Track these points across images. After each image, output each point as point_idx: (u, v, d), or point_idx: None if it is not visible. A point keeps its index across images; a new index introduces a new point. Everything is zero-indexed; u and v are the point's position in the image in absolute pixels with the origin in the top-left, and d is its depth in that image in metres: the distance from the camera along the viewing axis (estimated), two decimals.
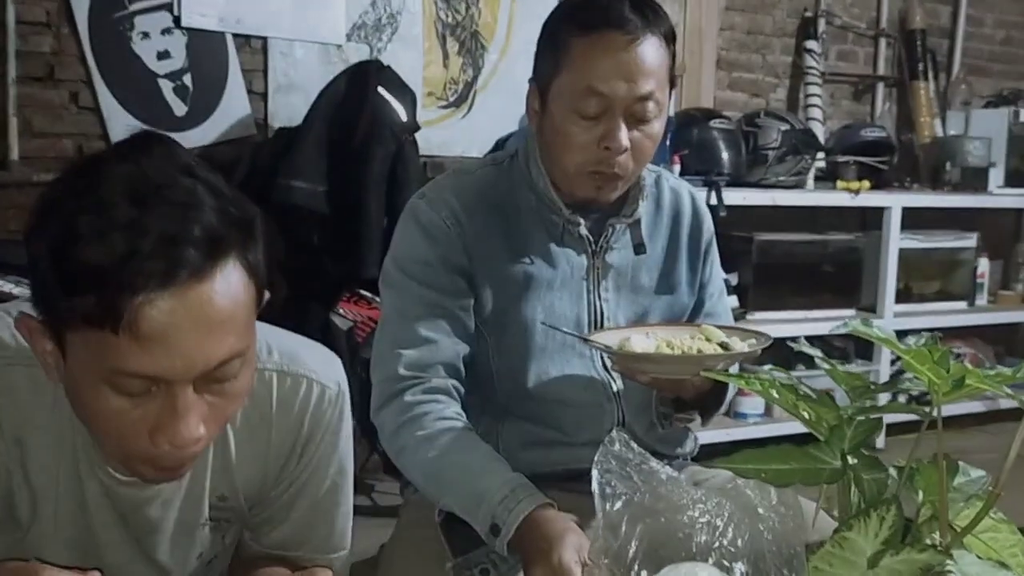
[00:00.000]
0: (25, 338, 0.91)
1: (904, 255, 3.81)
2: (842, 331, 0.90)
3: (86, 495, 1.02)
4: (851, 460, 0.85)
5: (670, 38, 1.35)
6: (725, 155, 3.42)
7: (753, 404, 3.56)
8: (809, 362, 3.33)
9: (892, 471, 0.90)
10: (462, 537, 1.28)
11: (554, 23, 1.37)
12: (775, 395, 0.90)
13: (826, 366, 0.94)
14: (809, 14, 4.14)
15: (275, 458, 1.09)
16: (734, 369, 1.34)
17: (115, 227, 0.81)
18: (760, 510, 0.80)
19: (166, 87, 3.08)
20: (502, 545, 1.20)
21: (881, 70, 4.37)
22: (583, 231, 1.42)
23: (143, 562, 1.08)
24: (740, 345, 1.27)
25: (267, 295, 0.95)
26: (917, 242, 3.91)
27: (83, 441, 0.99)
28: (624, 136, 1.33)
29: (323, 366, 1.10)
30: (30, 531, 1.02)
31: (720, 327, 1.36)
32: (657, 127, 1.37)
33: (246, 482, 1.09)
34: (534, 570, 1.12)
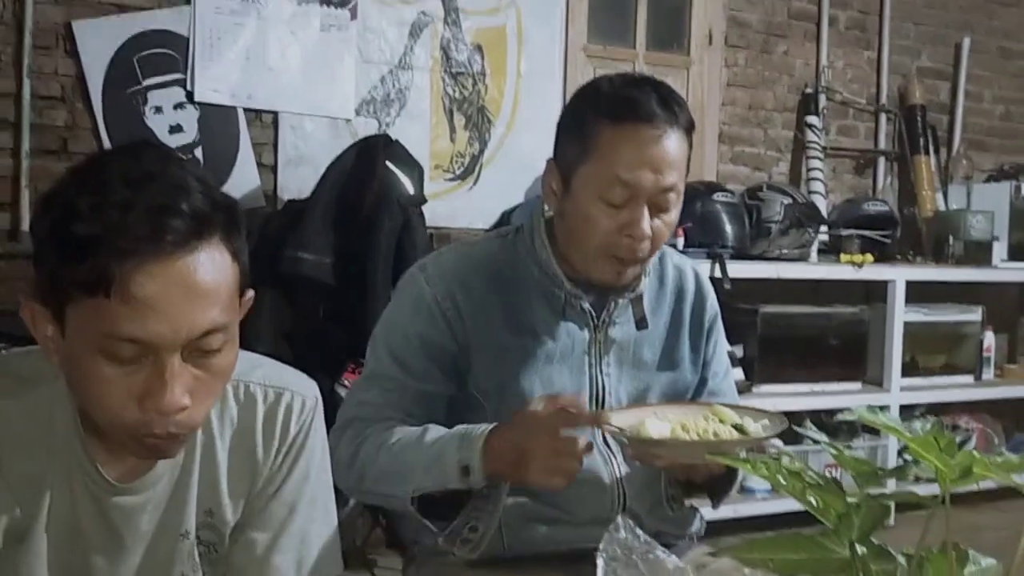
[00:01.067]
0: (28, 324, 0.98)
1: (909, 328, 3.81)
2: (849, 418, 0.90)
3: (78, 512, 1.05)
4: (860, 549, 0.84)
5: (690, 131, 1.40)
6: (729, 228, 3.44)
7: (761, 480, 3.51)
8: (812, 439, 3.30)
9: (901, 559, 0.89)
10: (440, 510, 1.34)
11: (582, 110, 1.40)
12: (782, 481, 0.89)
13: (833, 451, 0.94)
14: (809, 90, 4.21)
15: (260, 469, 1.13)
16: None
17: (109, 204, 0.90)
18: None
19: None
20: (478, 477, 1.27)
21: (882, 145, 4.42)
22: (585, 305, 1.43)
23: None
24: (755, 427, 1.26)
25: (251, 294, 1.03)
26: (922, 315, 3.91)
27: (76, 456, 1.04)
28: (647, 224, 1.36)
29: (302, 381, 1.18)
30: (16, 561, 1.03)
31: (731, 406, 1.36)
32: (675, 215, 1.41)
33: (233, 497, 1.12)
34: (527, 463, 1.23)
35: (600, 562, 0.83)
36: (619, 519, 0.90)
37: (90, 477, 1.05)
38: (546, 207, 1.49)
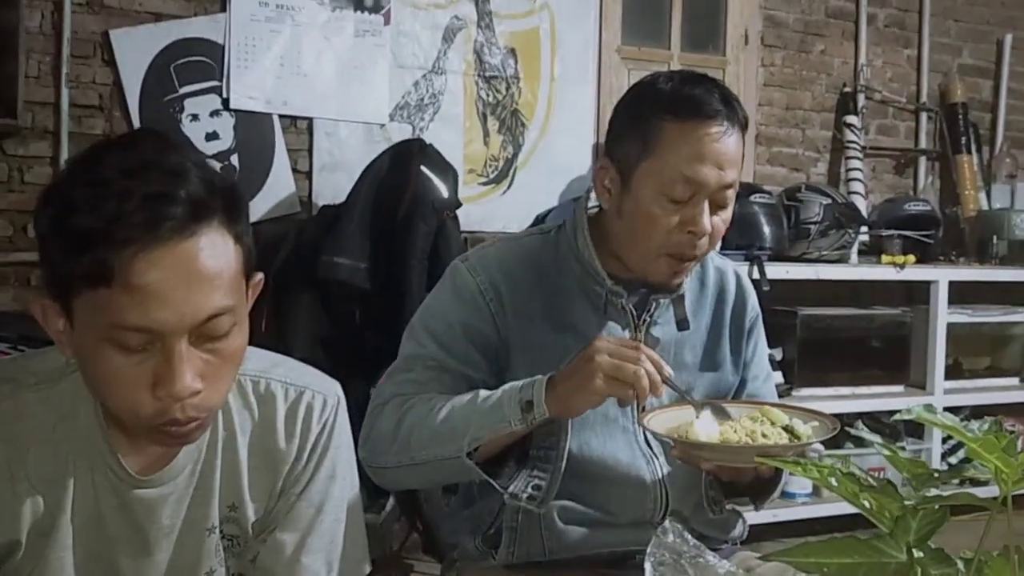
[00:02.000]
0: (39, 319, 0.98)
1: (953, 330, 3.73)
2: (906, 417, 0.87)
3: (101, 504, 1.06)
4: (917, 553, 0.81)
5: (745, 128, 1.40)
6: (767, 229, 3.39)
7: (801, 483, 3.47)
8: (858, 440, 3.25)
9: (960, 564, 0.85)
10: (500, 468, 1.33)
11: (642, 108, 1.39)
12: (834, 483, 0.86)
13: (887, 452, 0.90)
14: (848, 89, 4.16)
15: (282, 467, 1.14)
16: None
17: (106, 196, 0.90)
18: None
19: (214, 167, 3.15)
20: (542, 410, 1.25)
21: (923, 144, 4.35)
22: (627, 304, 1.42)
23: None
24: (804, 429, 1.23)
25: (260, 277, 1.04)
26: (966, 316, 3.83)
27: (98, 448, 1.04)
28: (708, 221, 1.36)
29: (322, 381, 1.18)
30: (45, 554, 1.04)
31: (781, 406, 1.33)
32: (731, 211, 1.41)
33: (255, 493, 1.13)
34: (591, 374, 1.22)
35: (648, 566, 0.81)
36: (667, 523, 0.88)
37: (112, 470, 1.05)
38: (589, 204, 1.47)
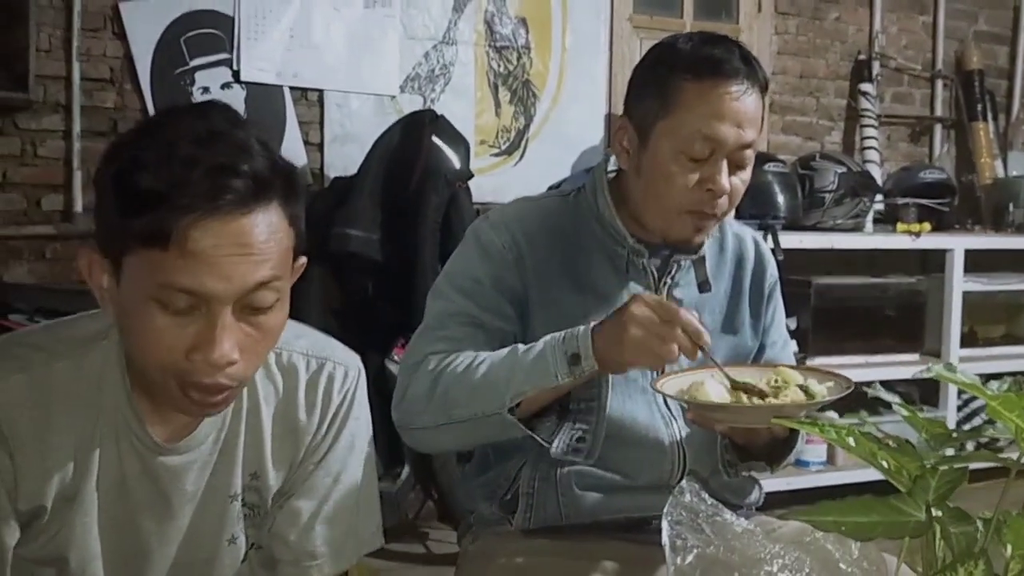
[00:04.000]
0: (84, 273, 1.01)
1: (968, 298, 3.71)
2: (925, 376, 0.86)
3: (126, 471, 1.07)
4: (936, 512, 0.81)
5: (765, 90, 1.39)
6: (780, 198, 3.37)
7: (815, 452, 3.47)
8: (872, 408, 3.24)
9: (978, 523, 0.85)
10: (541, 424, 1.32)
11: (661, 66, 1.39)
12: (852, 443, 0.86)
13: (904, 412, 0.90)
14: (863, 57, 4.11)
15: (303, 437, 1.15)
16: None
17: (174, 160, 0.92)
18: (842, 565, 0.76)
19: None
20: (589, 363, 1.24)
21: (939, 111, 4.31)
22: (648, 265, 1.41)
23: (177, 542, 1.12)
24: (819, 389, 1.23)
25: (303, 260, 1.06)
26: (981, 285, 3.81)
27: (124, 416, 1.06)
28: (726, 179, 1.35)
29: (344, 353, 1.20)
30: (70, 519, 1.06)
31: (796, 367, 1.32)
32: (749, 173, 1.40)
33: (277, 463, 1.14)
34: (628, 336, 1.20)
35: (665, 525, 0.81)
36: (684, 483, 0.88)
37: (137, 437, 1.07)
38: (608, 166, 1.46)
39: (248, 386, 1.11)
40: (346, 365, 1.18)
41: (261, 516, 1.16)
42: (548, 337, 1.29)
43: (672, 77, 1.35)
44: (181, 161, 0.92)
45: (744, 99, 1.34)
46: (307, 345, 1.17)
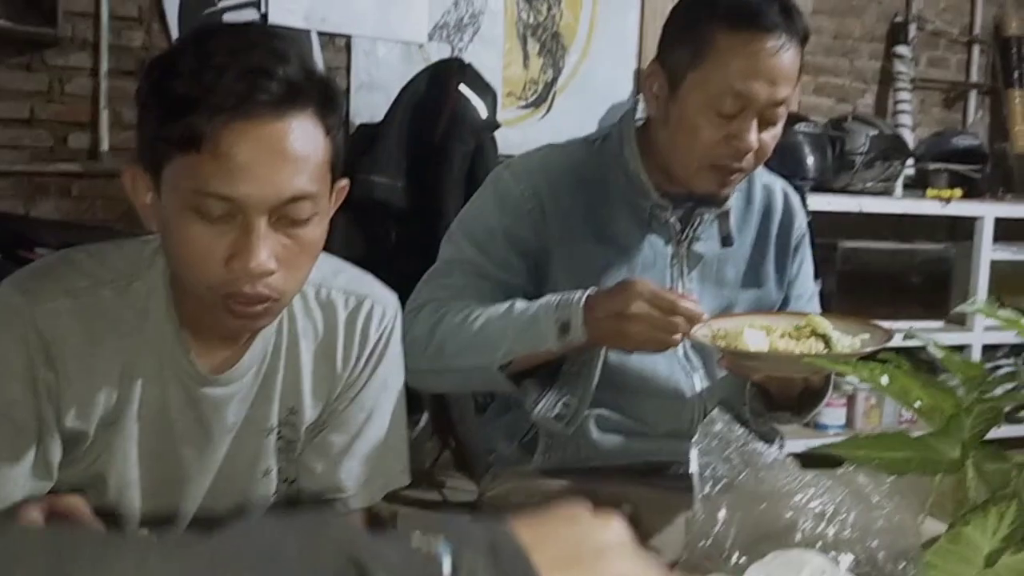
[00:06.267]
0: (128, 191, 1.02)
1: (996, 267, 3.66)
2: (968, 310, 0.84)
3: (168, 400, 1.08)
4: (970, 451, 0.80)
5: (805, 41, 1.35)
6: (810, 160, 3.32)
7: (834, 415, 3.45)
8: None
9: (1012, 466, 0.84)
10: (530, 385, 1.33)
11: (697, 12, 1.35)
12: (885, 382, 0.85)
13: (940, 354, 0.89)
14: (899, 19, 4.03)
15: (341, 374, 1.16)
16: None
17: (208, 67, 0.93)
18: (874, 498, 0.75)
19: None
20: (578, 334, 1.23)
21: (974, 77, 4.23)
22: (671, 218, 1.39)
23: (213, 473, 1.13)
24: (852, 342, 1.21)
25: (345, 182, 1.06)
26: (1010, 254, 3.76)
27: (169, 346, 1.07)
28: (755, 136, 1.32)
29: (382, 291, 1.21)
30: (111, 445, 1.07)
31: (829, 317, 1.30)
32: (780, 128, 1.37)
33: (314, 398, 1.15)
34: (626, 328, 1.19)
35: (694, 454, 0.80)
36: (715, 412, 0.87)
37: (182, 368, 1.07)
38: (637, 116, 1.44)
39: (288, 322, 1.11)
40: (384, 303, 1.18)
41: (296, 451, 1.17)
42: (544, 300, 1.28)
43: (707, 25, 1.31)
44: (216, 66, 0.93)
45: (780, 55, 1.30)
46: (346, 281, 1.16)
